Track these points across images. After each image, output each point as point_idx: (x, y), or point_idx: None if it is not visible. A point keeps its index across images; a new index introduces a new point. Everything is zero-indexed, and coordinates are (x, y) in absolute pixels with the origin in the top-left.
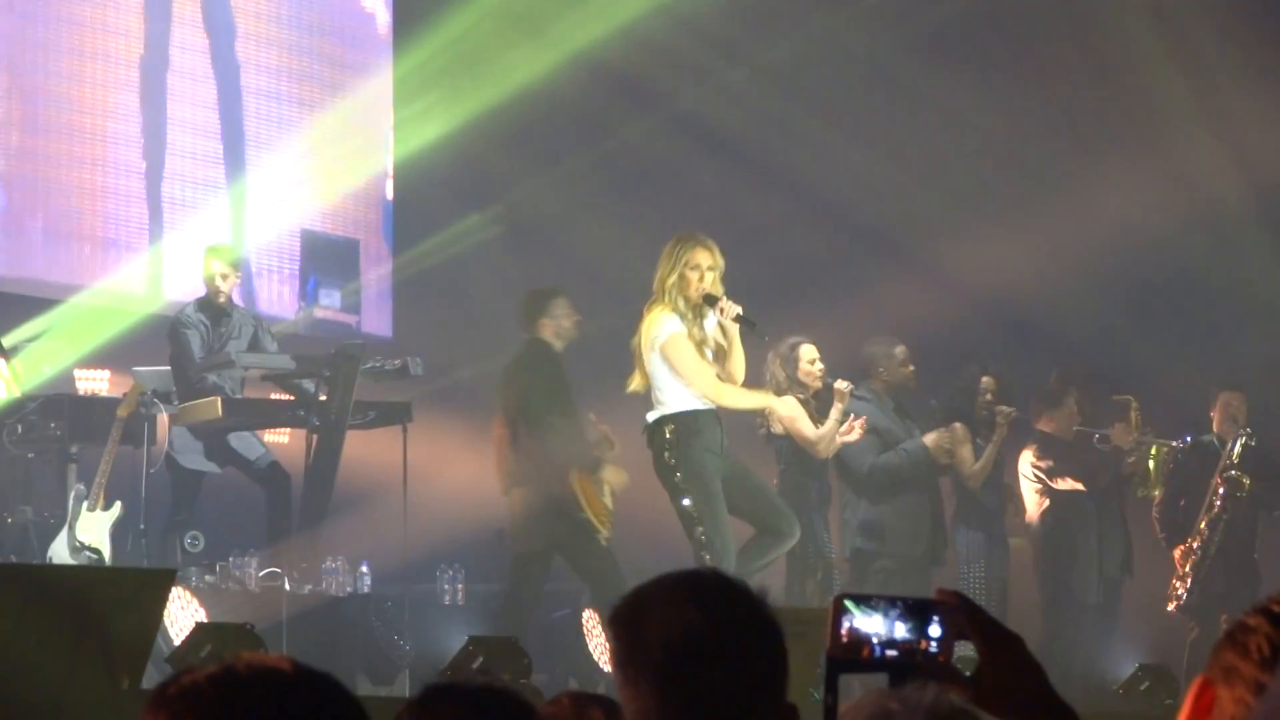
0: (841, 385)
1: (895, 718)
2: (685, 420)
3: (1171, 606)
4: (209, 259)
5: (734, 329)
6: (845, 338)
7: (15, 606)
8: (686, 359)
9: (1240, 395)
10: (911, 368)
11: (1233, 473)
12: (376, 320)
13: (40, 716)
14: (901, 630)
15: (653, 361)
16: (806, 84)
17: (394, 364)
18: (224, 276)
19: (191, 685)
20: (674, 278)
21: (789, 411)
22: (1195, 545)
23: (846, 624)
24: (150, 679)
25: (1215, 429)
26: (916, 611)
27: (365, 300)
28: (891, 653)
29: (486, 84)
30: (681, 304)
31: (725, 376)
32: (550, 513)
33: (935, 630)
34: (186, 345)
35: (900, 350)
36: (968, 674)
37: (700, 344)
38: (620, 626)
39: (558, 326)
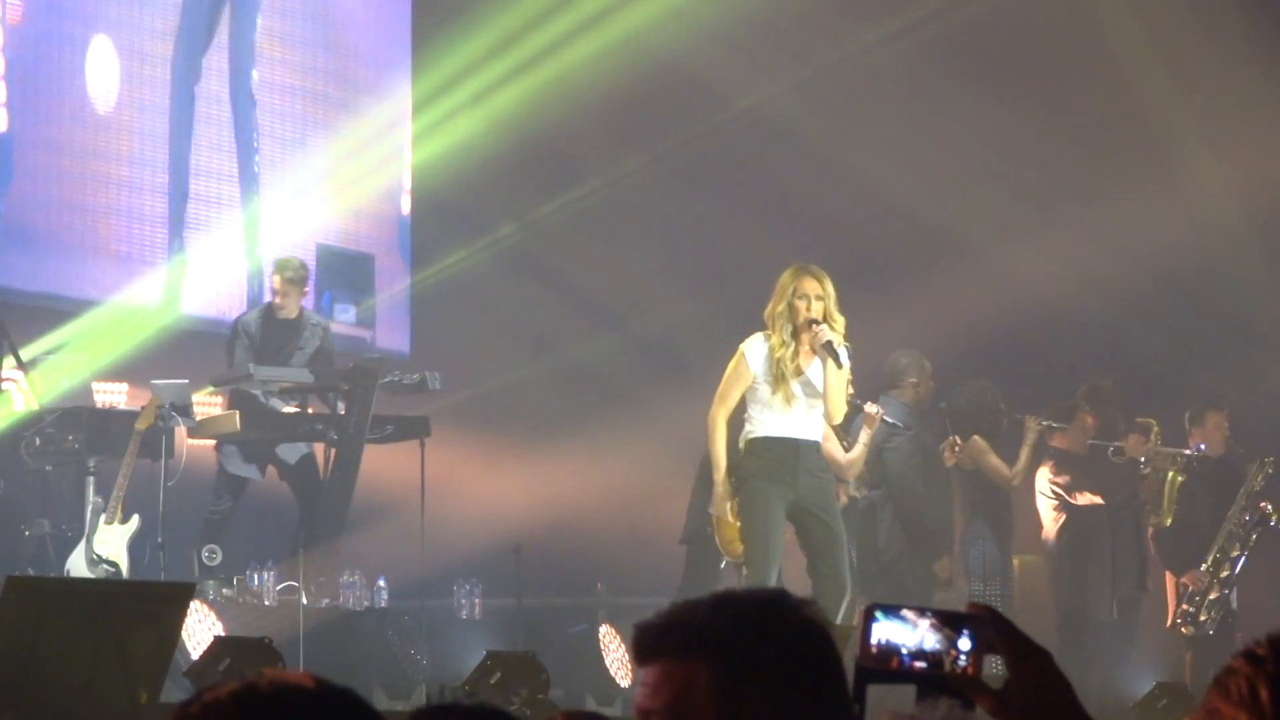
0: (871, 409)
1: None
2: (754, 445)
3: (1188, 630)
4: (274, 274)
5: (825, 357)
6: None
7: (34, 619)
8: (728, 373)
9: (1225, 413)
10: (933, 383)
11: (1265, 503)
12: (394, 336)
13: None
14: (931, 641)
15: None
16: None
17: (412, 378)
18: (284, 294)
19: (214, 703)
20: (782, 306)
21: (717, 497)
22: (1219, 571)
23: (876, 633)
24: (169, 693)
25: (1204, 448)
26: (947, 623)
27: (381, 316)
28: (920, 664)
29: (505, 96)
30: (788, 332)
31: (824, 413)
32: (701, 516)
33: (965, 643)
34: (233, 355)
35: (928, 364)
36: (996, 688)
37: (787, 372)
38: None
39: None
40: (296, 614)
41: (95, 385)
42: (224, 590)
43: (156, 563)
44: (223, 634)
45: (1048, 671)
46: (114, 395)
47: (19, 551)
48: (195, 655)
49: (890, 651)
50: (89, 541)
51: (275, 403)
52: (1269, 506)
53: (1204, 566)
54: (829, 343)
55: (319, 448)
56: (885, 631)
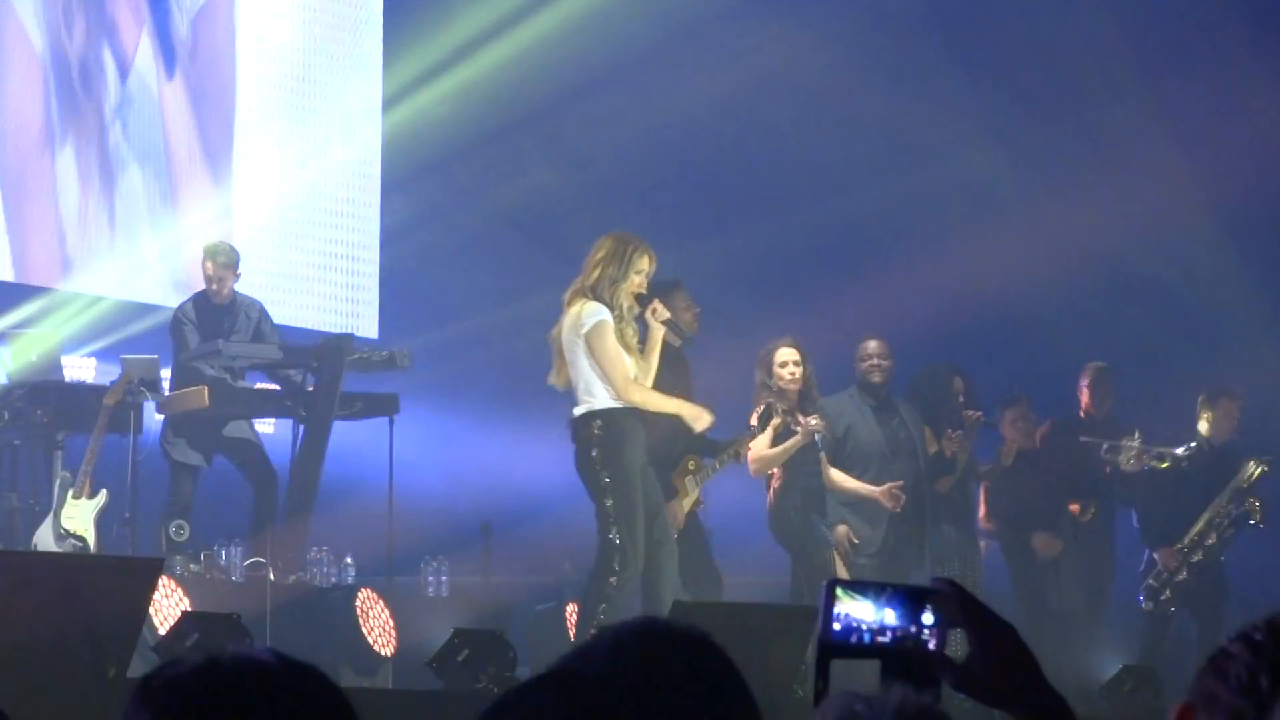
0: (813, 422)
1: (862, 719)
2: (616, 418)
3: (1148, 606)
4: (205, 260)
5: (659, 333)
6: (825, 338)
7: (1, 593)
8: (610, 349)
9: (1239, 402)
10: (876, 361)
11: (1253, 500)
12: (363, 322)
13: (27, 704)
14: (893, 617)
15: (576, 352)
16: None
17: (381, 355)
18: (220, 280)
19: (176, 679)
20: (622, 276)
21: (696, 416)
22: (1191, 554)
23: (838, 610)
24: (136, 668)
25: (1208, 434)
26: (909, 598)
27: (352, 301)
28: (883, 639)
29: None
30: (624, 304)
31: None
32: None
33: (928, 618)
34: (182, 341)
35: (871, 345)
36: (959, 663)
37: (631, 344)
38: None
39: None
40: (264, 590)
41: (65, 360)
42: (191, 566)
43: (124, 538)
44: (189, 609)
45: (1012, 645)
46: (83, 370)
47: None
48: (163, 631)
49: (852, 628)
50: (57, 516)
51: (243, 382)
52: (1256, 503)
53: (1178, 547)
54: (670, 319)
55: (279, 430)
56: (847, 608)
